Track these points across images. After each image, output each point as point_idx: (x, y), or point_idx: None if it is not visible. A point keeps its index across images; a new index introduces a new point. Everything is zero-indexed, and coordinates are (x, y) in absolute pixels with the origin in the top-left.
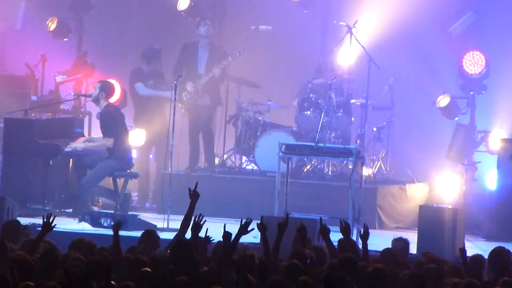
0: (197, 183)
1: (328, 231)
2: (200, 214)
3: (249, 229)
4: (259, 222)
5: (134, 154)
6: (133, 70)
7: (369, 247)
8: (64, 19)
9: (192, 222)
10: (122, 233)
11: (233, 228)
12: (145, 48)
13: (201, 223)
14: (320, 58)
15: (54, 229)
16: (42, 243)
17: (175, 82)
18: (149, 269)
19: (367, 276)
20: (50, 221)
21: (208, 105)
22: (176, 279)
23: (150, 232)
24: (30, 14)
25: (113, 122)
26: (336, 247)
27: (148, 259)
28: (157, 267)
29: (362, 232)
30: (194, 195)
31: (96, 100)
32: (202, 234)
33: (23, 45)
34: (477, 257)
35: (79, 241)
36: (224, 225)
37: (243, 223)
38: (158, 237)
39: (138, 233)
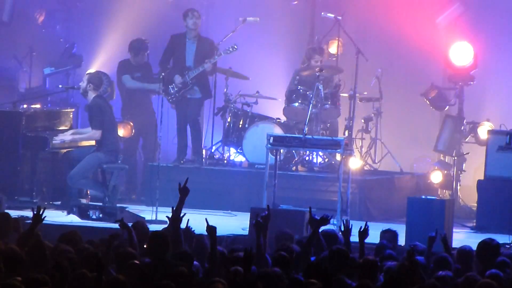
0: (187, 178)
1: (318, 222)
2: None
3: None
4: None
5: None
6: (120, 62)
7: (357, 239)
8: (52, 11)
9: (171, 215)
10: (110, 225)
11: (224, 220)
12: (132, 40)
13: (181, 216)
14: (308, 50)
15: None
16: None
17: (163, 74)
18: (137, 262)
19: (357, 268)
20: (40, 213)
21: (197, 98)
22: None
23: (140, 224)
24: (17, 6)
25: (101, 114)
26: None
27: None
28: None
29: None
30: (183, 190)
31: (85, 93)
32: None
33: (10, 37)
34: (465, 249)
35: (68, 234)
36: (206, 219)
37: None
38: (148, 229)
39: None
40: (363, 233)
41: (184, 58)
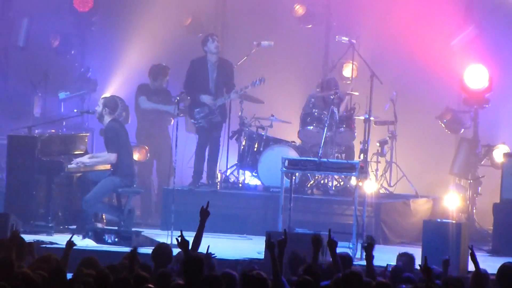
0: (208, 202)
1: (336, 244)
2: (181, 231)
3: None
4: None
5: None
6: (139, 85)
7: (374, 262)
8: (66, 36)
9: (179, 240)
10: (126, 249)
11: (239, 244)
12: (153, 64)
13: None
14: (323, 73)
15: (57, 245)
16: (49, 261)
17: (177, 98)
18: (152, 286)
19: None
20: (71, 239)
21: (220, 121)
22: None
23: (163, 247)
24: (32, 31)
25: (116, 138)
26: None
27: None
28: (164, 284)
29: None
30: (203, 213)
31: (101, 117)
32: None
33: (26, 62)
34: (480, 272)
35: (89, 259)
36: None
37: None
38: (171, 252)
39: (142, 250)
40: (369, 247)
41: (207, 82)
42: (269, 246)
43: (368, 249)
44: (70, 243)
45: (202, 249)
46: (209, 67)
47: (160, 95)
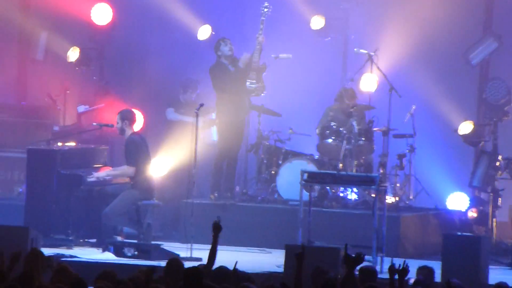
0: (218, 216)
1: (353, 261)
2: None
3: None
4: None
5: (159, 183)
6: (168, 97)
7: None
8: (85, 49)
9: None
10: (145, 262)
11: (258, 257)
12: (184, 77)
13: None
14: (341, 86)
15: (77, 258)
16: (65, 272)
17: (196, 110)
18: None
19: None
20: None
21: (243, 120)
22: None
23: (174, 261)
24: (51, 44)
25: (136, 151)
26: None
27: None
28: None
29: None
30: (216, 228)
31: (122, 131)
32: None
33: (44, 76)
34: (502, 286)
35: (106, 272)
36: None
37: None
38: (183, 265)
39: (161, 263)
40: (402, 273)
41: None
42: (297, 257)
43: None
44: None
45: (223, 262)
46: (230, 69)
47: (189, 108)
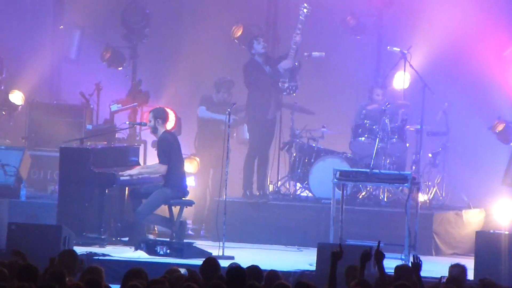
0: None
1: (383, 256)
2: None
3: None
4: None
5: (192, 181)
6: (202, 95)
7: (427, 274)
8: (118, 48)
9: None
10: (177, 261)
11: (291, 255)
12: (218, 77)
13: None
14: (374, 84)
15: (110, 257)
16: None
17: (228, 110)
18: None
19: None
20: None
21: (274, 119)
22: None
23: (211, 260)
24: (84, 43)
25: (168, 149)
26: (391, 274)
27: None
28: None
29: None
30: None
31: (155, 130)
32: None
33: (78, 75)
34: (486, 281)
35: (136, 270)
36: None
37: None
38: (219, 265)
39: (193, 261)
40: (416, 267)
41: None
42: (333, 255)
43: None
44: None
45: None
46: (264, 67)
47: (221, 107)
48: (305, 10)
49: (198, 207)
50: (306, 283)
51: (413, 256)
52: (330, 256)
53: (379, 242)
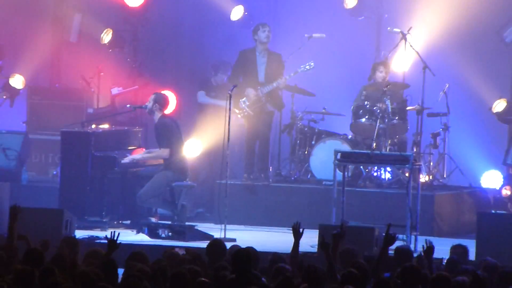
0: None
1: (394, 240)
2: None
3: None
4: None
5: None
6: (200, 79)
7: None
8: (118, 31)
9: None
10: (179, 243)
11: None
12: (215, 59)
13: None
14: (377, 60)
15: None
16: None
17: (229, 92)
18: (206, 280)
19: (430, 284)
20: (115, 238)
21: (269, 111)
22: None
23: (217, 242)
24: (85, 26)
25: (168, 133)
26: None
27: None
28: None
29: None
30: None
31: (151, 112)
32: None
33: (78, 58)
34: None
35: (138, 253)
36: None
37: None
38: (225, 247)
39: (195, 244)
40: (429, 251)
41: (256, 73)
42: (323, 246)
43: (428, 253)
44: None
45: (257, 242)
46: (258, 58)
47: (219, 91)
48: (307, 67)
49: (199, 189)
50: (314, 266)
51: (426, 240)
52: (332, 237)
53: (389, 225)
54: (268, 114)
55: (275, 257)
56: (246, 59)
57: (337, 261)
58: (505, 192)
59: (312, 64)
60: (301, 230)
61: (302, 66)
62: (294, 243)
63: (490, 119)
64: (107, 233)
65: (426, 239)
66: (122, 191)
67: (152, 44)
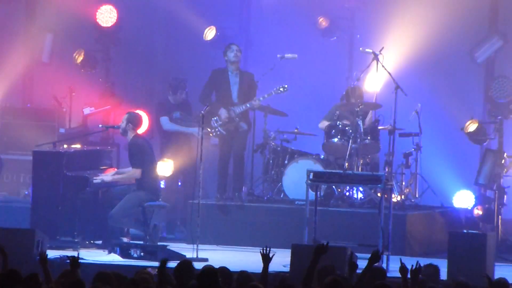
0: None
1: (356, 267)
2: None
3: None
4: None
5: (162, 184)
6: (158, 103)
7: (399, 274)
8: (90, 51)
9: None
10: (151, 264)
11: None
12: (171, 78)
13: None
14: (347, 86)
15: (84, 260)
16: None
17: (202, 112)
18: None
19: None
20: (77, 256)
21: (243, 130)
22: None
23: (186, 264)
24: (57, 46)
25: (140, 153)
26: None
27: None
28: None
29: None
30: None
31: (124, 132)
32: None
33: (50, 78)
34: (501, 281)
35: (104, 274)
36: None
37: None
38: (193, 268)
39: (167, 264)
40: (416, 272)
41: (229, 92)
42: (350, 265)
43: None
44: (74, 262)
45: (229, 262)
46: (231, 77)
47: (181, 109)
48: (281, 90)
49: (169, 210)
50: (290, 283)
51: (417, 262)
52: (314, 250)
53: (351, 253)
54: (242, 133)
55: (242, 275)
56: (219, 78)
57: (314, 279)
58: (477, 212)
59: (286, 86)
60: (271, 254)
61: (276, 88)
62: (263, 267)
63: (462, 139)
64: (77, 253)
65: (417, 261)
66: (94, 211)
67: (125, 64)
